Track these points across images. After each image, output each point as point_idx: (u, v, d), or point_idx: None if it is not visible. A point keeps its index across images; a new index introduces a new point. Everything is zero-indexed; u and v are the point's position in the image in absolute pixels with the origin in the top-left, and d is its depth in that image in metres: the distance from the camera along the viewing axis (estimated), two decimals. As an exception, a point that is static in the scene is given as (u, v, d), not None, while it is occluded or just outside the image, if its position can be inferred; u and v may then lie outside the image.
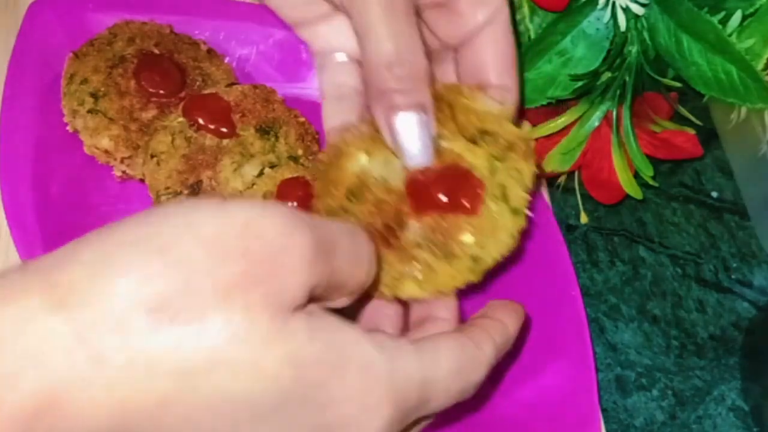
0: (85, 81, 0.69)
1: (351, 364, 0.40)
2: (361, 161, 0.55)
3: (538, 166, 0.66)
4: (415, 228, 0.52)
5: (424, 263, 0.52)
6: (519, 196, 0.53)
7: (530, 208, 0.53)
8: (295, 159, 0.71)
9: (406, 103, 0.52)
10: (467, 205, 0.52)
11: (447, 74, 0.62)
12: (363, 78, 0.59)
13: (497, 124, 0.55)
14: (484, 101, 0.56)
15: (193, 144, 0.66)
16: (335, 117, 0.63)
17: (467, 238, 0.52)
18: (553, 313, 0.68)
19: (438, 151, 0.54)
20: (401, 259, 0.52)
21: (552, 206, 0.76)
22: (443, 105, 0.55)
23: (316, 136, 0.75)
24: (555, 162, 0.77)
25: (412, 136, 0.52)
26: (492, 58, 0.59)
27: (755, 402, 0.72)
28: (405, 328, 0.56)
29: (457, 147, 0.53)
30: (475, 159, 0.53)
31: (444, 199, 0.52)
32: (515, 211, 0.53)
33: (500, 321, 0.55)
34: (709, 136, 0.83)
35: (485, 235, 0.52)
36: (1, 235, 0.71)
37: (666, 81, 0.74)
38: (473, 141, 0.54)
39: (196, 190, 0.64)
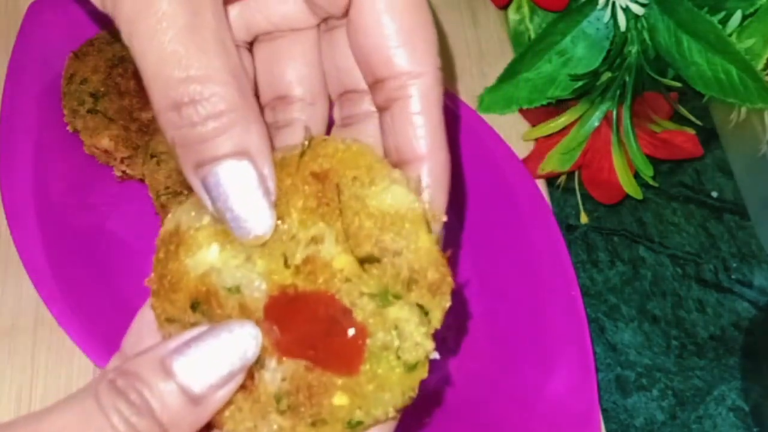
0: (84, 81, 0.69)
1: None
2: (209, 257, 0.41)
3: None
4: (275, 371, 0.39)
5: (283, 428, 0.40)
6: (417, 345, 0.40)
7: (436, 349, 0.40)
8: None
9: (219, 151, 0.37)
10: (342, 363, 0.39)
11: (340, 57, 0.44)
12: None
13: (402, 238, 0.39)
14: (392, 188, 0.39)
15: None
16: None
17: (340, 400, 0.39)
18: (553, 313, 0.68)
19: (312, 260, 0.39)
20: (256, 412, 0.40)
21: (552, 206, 0.76)
22: (326, 188, 0.39)
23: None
24: (555, 162, 0.77)
25: (234, 195, 0.38)
26: (388, 22, 0.41)
27: (755, 402, 0.72)
28: None
29: (339, 263, 0.39)
30: (362, 285, 0.39)
31: (310, 351, 0.39)
32: (411, 367, 0.40)
33: None
34: (709, 136, 0.83)
35: (366, 396, 0.39)
36: (1, 235, 0.71)
37: (666, 81, 0.74)
38: (365, 260, 0.39)
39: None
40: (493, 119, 0.77)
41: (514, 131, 0.79)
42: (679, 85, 0.74)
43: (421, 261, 0.39)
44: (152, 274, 0.42)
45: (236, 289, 0.40)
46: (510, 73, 0.79)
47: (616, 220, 0.81)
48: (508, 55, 0.81)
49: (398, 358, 0.39)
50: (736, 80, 0.68)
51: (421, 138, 0.41)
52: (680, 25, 0.69)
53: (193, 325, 0.40)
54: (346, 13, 0.42)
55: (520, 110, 0.80)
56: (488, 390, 0.66)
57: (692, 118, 0.77)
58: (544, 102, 0.78)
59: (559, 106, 0.79)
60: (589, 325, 0.67)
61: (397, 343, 0.39)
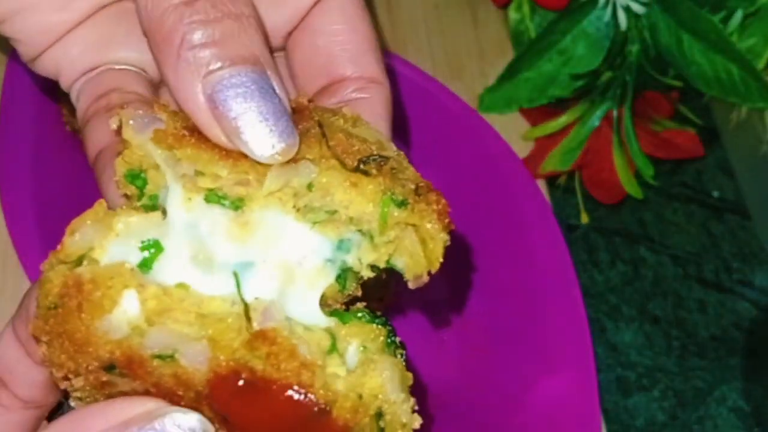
0: (84, 81, 0.69)
1: None
2: (127, 314, 0.33)
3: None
4: None
5: None
6: (404, 426, 0.34)
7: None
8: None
9: (223, 56, 0.34)
10: None
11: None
12: (148, 39, 0.37)
13: (392, 152, 0.37)
14: (367, 126, 0.38)
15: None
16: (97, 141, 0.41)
17: None
18: (553, 313, 0.68)
19: (271, 337, 0.33)
20: None
21: (552, 206, 0.76)
22: (308, 122, 0.36)
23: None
24: (555, 162, 0.77)
25: (251, 112, 0.34)
26: (340, 41, 0.42)
27: (756, 402, 0.72)
28: None
29: (331, 178, 0.34)
30: (363, 201, 0.34)
31: None
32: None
33: None
34: (710, 135, 0.83)
35: None
36: (1, 236, 0.70)
37: (667, 80, 0.74)
38: (357, 170, 0.35)
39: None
40: (493, 119, 0.76)
41: (514, 131, 0.79)
42: (679, 84, 0.74)
43: (416, 178, 0.36)
44: (38, 319, 0.34)
45: (170, 358, 0.33)
46: (510, 73, 0.78)
47: (616, 220, 0.80)
48: (508, 55, 0.81)
49: None
50: (737, 79, 0.68)
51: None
52: (681, 25, 0.69)
53: (107, 384, 0.34)
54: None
55: (521, 110, 0.80)
56: (488, 390, 0.66)
57: (693, 118, 0.77)
58: (545, 101, 0.78)
59: (559, 106, 0.78)
60: (590, 325, 0.67)
61: (382, 428, 0.34)
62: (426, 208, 0.34)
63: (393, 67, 0.76)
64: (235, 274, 0.34)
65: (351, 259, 0.35)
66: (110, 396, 0.35)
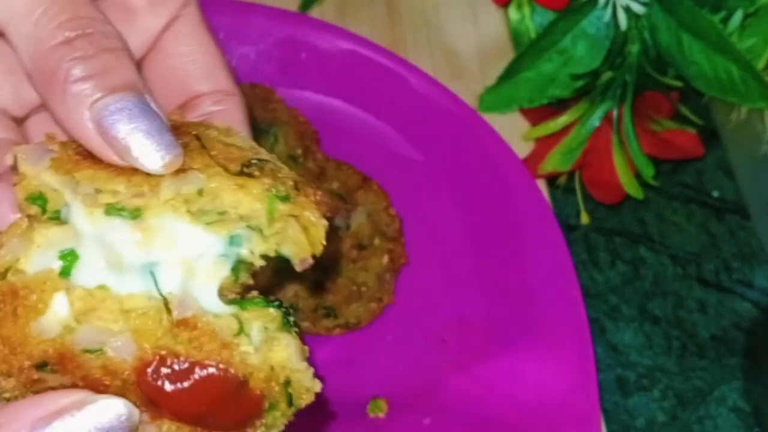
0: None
1: None
2: (58, 315, 0.38)
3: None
4: None
5: None
6: (308, 390, 0.40)
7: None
8: (294, 158, 0.71)
9: (105, 86, 0.38)
10: (236, 427, 0.39)
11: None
12: (32, 78, 0.40)
13: (267, 155, 0.41)
14: (238, 135, 0.42)
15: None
16: None
17: None
18: (553, 313, 0.68)
19: (192, 323, 0.38)
20: None
21: (552, 206, 0.76)
22: (186, 137, 0.40)
23: (316, 136, 0.75)
24: (555, 162, 0.77)
25: (138, 132, 0.38)
26: (192, 60, 0.46)
27: (757, 402, 0.72)
28: None
29: (219, 183, 0.38)
30: (250, 200, 0.38)
31: (200, 422, 0.38)
32: (298, 405, 0.40)
33: None
34: (710, 135, 0.83)
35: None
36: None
37: (667, 80, 0.74)
38: (242, 173, 0.39)
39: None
40: (493, 119, 0.76)
41: (514, 131, 0.79)
42: (680, 84, 0.74)
43: (291, 175, 0.40)
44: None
45: (98, 351, 0.38)
46: (510, 73, 0.78)
47: (616, 220, 0.80)
48: (508, 55, 0.81)
49: (290, 406, 0.40)
50: (737, 80, 0.68)
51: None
52: (681, 25, 0.69)
53: (37, 382, 0.38)
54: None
55: (521, 110, 0.80)
56: (488, 390, 0.66)
57: (693, 118, 0.77)
58: (545, 101, 0.78)
59: (559, 106, 0.78)
60: (590, 325, 0.67)
61: (290, 393, 0.40)
62: (305, 200, 0.39)
63: (393, 67, 0.76)
64: (152, 273, 0.39)
65: (245, 252, 0.40)
66: (39, 392, 0.39)
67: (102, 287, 0.38)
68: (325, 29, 0.78)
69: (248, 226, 0.39)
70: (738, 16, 0.69)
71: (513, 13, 0.80)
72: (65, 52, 0.38)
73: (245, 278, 0.41)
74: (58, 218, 0.39)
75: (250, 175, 0.39)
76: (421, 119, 0.76)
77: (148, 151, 0.38)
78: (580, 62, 0.76)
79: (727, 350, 0.75)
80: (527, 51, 0.77)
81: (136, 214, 0.38)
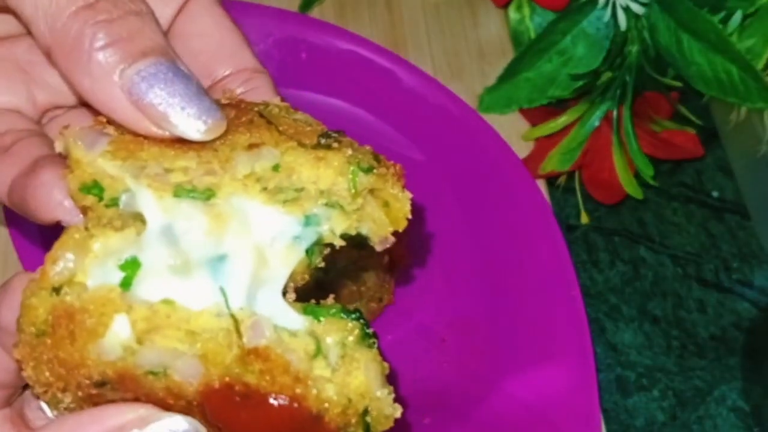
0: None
1: None
2: (119, 337, 0.34)
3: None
4: None
5: None
6: (387, 418, 0.37)
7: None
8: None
9: (134, 51, 0.35)
10: None
11: None
12: (52, 54, 0.37)
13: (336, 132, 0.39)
14: (297, 111, 0.40)
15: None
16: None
17: None
18: (553, 313, 0.68)
19: (264, 353, 0.34)
20: None
21: (552, 206, 0.76)
22: (248, 114, 0.38)
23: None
24: (555, 162, 0.77)
25: (174, 96, 0.35)
26: (212, 41, 0.43)
27: (756, 402, 0.72)
28: None
29: (296, 157, 0.36)
30: (332, 173, 0.35)
31: None
32: None
33: None
34: (709, 135, 0.83)
35: None
36: (1, 236, 0.71)
37: (666, 80, 0.74)
38: (319, 146, 0.36)
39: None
40: (493, 119, 0.76)
41: (514, 131, 0.79)
42: (679, 84, 0.74)
43: (366, 148, 0.38)
44: (23, 345, 0.34)
45: (162, 373, 0.34)
46: (510, 73, 0.78)
47: (616, 220, 0.81)
48: (508, 55, 0.81)
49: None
50: (736, 80, 0.68)
51: None
52: (681, 25, 0.69)
53: (95, 395, 0.35)
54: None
55: (521, 110, 0.80)
56: (488, 390, 0.66)
57: (693, 118, 0.77)
58: (545, 102, 0.78)
59: (559, 106, 0.78)
60: (590, 325, 0.67)
61: (368, 423, 0.36)
62: (386, 173, 0.36)
63: (393, 67, 0.76)
64: (222, 289, 0.35)
65: (325, 230, 0.36)
66: (97, 404, 0.35)
67: (166, 301, 0.35)
68: (325, 29, 0.78)
69: (326, 204, 0.36)
70: (737, 17, 0.69)
71: (513, 13, 0.80)
72: (88, 15, 0.35)
73: (318, 262, 0.38)
74: (116, 206, 0.35)
75: (328, 147, 0.36)
76: (422, 119, 0.76)
77: (189, 116, 0.35)
78: (579, 62, 0.76)
79: (726, 350, 0.75)
80: (527, 51, 0.77)
81: (208, 194, 0.35)
